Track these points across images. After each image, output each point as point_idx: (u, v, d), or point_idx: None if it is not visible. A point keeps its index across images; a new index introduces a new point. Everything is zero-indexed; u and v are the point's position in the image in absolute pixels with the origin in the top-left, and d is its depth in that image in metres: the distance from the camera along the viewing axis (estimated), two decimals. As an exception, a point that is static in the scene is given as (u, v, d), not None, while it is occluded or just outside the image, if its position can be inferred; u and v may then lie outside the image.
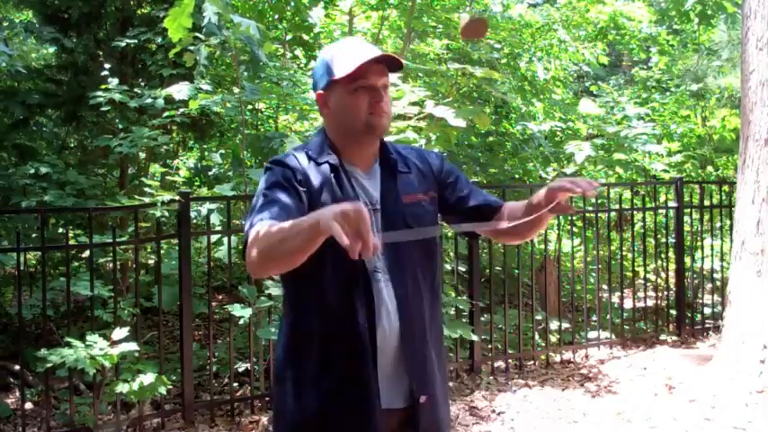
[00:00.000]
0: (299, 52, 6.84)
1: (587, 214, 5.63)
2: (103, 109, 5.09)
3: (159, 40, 5.38)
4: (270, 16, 6.45)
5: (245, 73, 4.56)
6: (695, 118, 8.65)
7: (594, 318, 5.78)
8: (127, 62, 5.79)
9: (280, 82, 5.17)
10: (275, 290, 4.00)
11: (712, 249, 6.33)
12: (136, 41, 5.39)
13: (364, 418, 1.72)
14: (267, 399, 4.25)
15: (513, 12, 8.35)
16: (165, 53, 5.33)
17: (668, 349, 5.58)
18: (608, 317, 5.90)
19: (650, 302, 6.27)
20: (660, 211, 6.10)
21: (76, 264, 5.20)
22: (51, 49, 6.44)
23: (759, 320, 4.39)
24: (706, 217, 6.38)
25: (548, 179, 7.13)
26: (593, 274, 5.99)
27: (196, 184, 6.83)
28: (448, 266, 5.34)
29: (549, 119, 7.77)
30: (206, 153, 7.33)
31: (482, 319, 5.15)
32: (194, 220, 4.58)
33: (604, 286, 6.56)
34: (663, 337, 5.83)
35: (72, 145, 6.68)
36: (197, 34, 4.08)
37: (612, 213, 6.35)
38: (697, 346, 5.70)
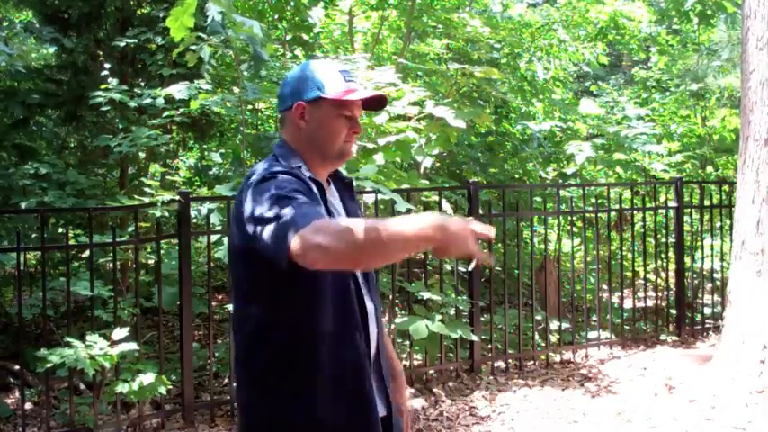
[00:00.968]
0: (298, 52, 6.85)
1: (587, 214, 5.63)
2: (103, 109, 5.10)
3: (159, 39, 5.38)
4: (270, 16, 6.45)
5: (246, 73, 4.56)
6: (695, 118, 8.65)
7: (594, 318, 5.78)
8: (127, 62, 5.79)
9: (280, 82, 5.16)
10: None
11: (712, 249, 6.33)
12: (136, 41, 5.39)
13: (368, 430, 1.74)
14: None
15: (513, 11, 8.36)
16: (165, 53, 5.33)
17: (668, 349, 5.58)
18: (608, 317, 5.90)
19: (650, 302, 6.27)
20: (660, 211, 6.10)
21: (76, 264, 5.20)
22: (51, 49, 6.44)
23: (759, 320, 4.39)
24: (706, 217, 6.38)
25: (548, 179, 7.13)
26: (593, 274, 5.99)
27: (196, 184, 6.83)
28: (448, 266, 5.35)
29: (548, 119, 7.77)
30: (206, 153, 7.34)
31: (482, 318, 5.15)
32: (194, 220, 4.58)
33: (604, 286, 6.56)
34: (663, 337, 5.83)
35: (72, 145, 6.68)
36: (200, 34, 4.09)
37: (612, 213, 6.35)
38: (697, 346, 5.70)
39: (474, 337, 4.76)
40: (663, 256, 6.48)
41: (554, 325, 5.51)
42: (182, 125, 5.65)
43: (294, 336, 1.69)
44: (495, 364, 5.06)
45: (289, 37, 6.51)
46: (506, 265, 5.26)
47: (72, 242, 4.48)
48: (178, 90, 4.70)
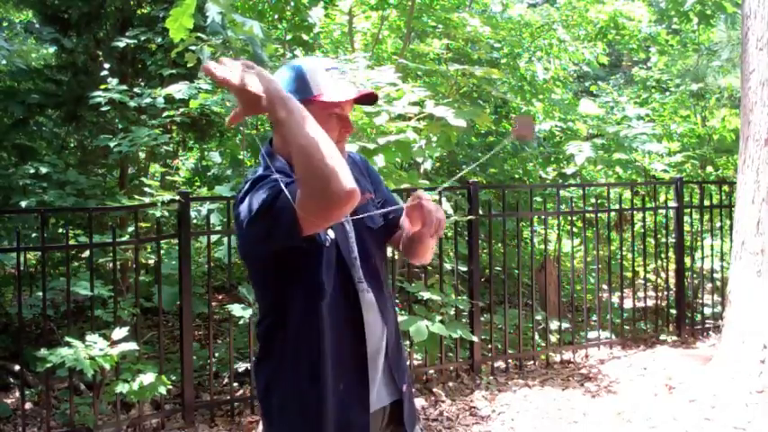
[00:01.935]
0: (298, 52, 6.84)
1: (587, 214, 5.63)
2: (103, 109, 5.09)
3: (159, 40, 5.38)
4: (270, 16, 6.45)
5: (245, 73, 4.54)
6: (695, 118, 8.65)
7: (594, 318, 5.78)
8: (127, 62, 5.79)
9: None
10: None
11: (712, 249, 6.33)
12: (136, 41, 5.39)
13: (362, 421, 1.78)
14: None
15: (513, 11, 8.35)
16: (164, 53, 5.33)
17: (668, 349, 5.58)
18: (608, 317, 5.90)
19: (650, 302, 6.27)
20: (660, 211, 6.10)
21: (76, 264, 5.20)
22: (51, 49, 6.44)
23: (759, 320, 4.39)
24: (706, 217, 6.38)
25: (547, 179, 7.13)
26: (593, 274, 5.99)
27: (196, 184, 6.84)
28: (448, 266, 5.34)
29: (548, 119, 7.77)
30: (206, 153, 7.33)
31: (482, 319, 5.15)
32: (194, 220, 4.58)
33: (604, 286, 6.56)
34: (663, 337, 5.83)
35: (72, 145, 6.68)
36: (199, 34, 4.08)
37: (612, 213, 6.35)
38: (697, 346, 5.70)
39: (474, 338, 4.76)
40: (663, 256, 6.48)
41: (554, 325, 5.51)
42: (182, 125, 5.64)
43: (287, 346, 1.75)
44: (495, 364, 5.06)
45: (289, 37, 6.50)
46: (506, 265, 5.26)
47: (72, 242, 4.48)
48: (178, 90, 4.70)
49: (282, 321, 1.74)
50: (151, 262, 5.51)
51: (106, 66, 5.39)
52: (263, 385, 1.79)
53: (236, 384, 4.46)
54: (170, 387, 3.99)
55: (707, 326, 6.05)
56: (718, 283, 6.44)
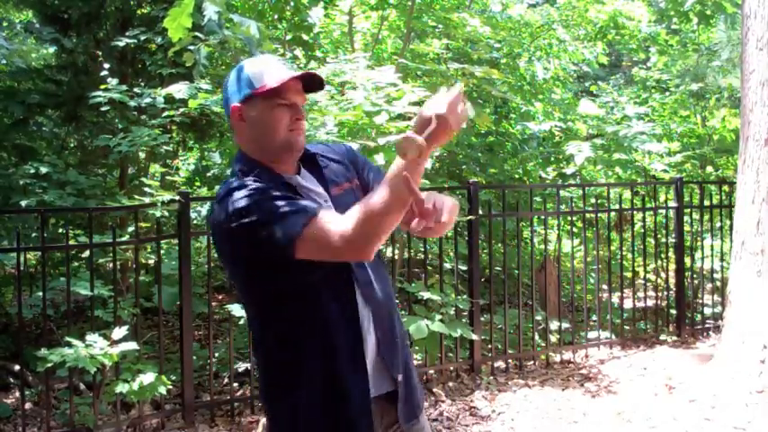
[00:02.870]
0: (298, 52, 6.84)
1: (587, 214, 5.63)
2: (103, 109, 5.09)
3: (159, 39, 5.38)
4: (269, 16, 6.45)
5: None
6: (695, 118, 8.65)
7: (594, 318, 5.78)
8: (127, 62, 5.79)
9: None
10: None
11: (712, 249, 6.33)
12: (135, 41, 5.39)
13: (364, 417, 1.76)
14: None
15: (513, 11, 8.35)
16: (164, 53, 5.33)
17: (668, 349, 5.58)
18: (608, 317, 5.90)
19: (650, 302, 6.27)
20: (660, 211, 6.10)
21: (76, 264, 5.19)
22: (51, 49, 6.44)
23: (759, 320, 4.39)
24: (706, 217, 6.38)
25: (547, 179, 7.14)
26: (593, 274, 5.99)
27: (196, 184, 6.84)
28: (448, 266, 5.34)
29: (548, 119, 7.77)
30: (206, 153, 7.33)
31: (482, 318, 5.15)
32: (194, 221, 4.59)
33: (604, 286, 6.56)
34: (663, 337, 5.83)
35: (72, 145, 6.67)
36: (197, 33, 4.08)
37: (612, 213, 6.35)
38: (697, 346, 5.70)
39: (474, 337, 4.76)
40: (663, 256, 6.48)
41: (554, 325, 5.51)
42: (181, 125, 5.64)
43: (284, 349, 1.74)
44: (495, 364, 5.06)
45: (288, 37, 6.50)
46: (506, 265, 5.26)
47: (72, 242, 4.48)
48: (178, 90, 4.70)
49: (283, 325, 1.73)
50: (151, 262, 5.51)
51: (106, 66, 5.38)
52: (289, 415, 1.75)
53: (236, 384, 4.46)
54: (170, 387, 3.98)
55: (707, 326, 6.05)
56: (718, 283, 6.44)
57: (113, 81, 5.05)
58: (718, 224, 6.37)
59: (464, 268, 5.04)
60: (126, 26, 5.68)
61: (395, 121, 4.39)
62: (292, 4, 6.05)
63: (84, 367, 3.42)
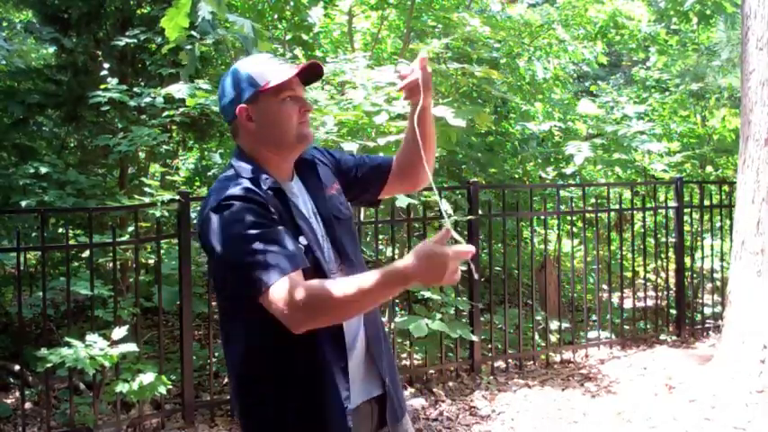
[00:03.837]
0: (298, 52, 6.84)
1: (587, 214, 5.63)
2: (103, 109, 5.09)
3: (159, 39, 5.37)
4: (269, 16, 6.45)
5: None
6: (695, 118, 8.65)
7: (594, 318, 5.78)
8: (126, 62, 5.79)
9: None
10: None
11: (712, 249, 6.33)
12: (135, 41, 5.39)
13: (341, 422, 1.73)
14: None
15: (513, 11, 8.35)
16: (164, 52, 5.33)
17: (668, 349, 5.58)
18: (608, 317, 5.90)
19: (650, 302, 6.27)
20: (660, 211, 6.10)
21: (76, 264, 5.19)
22: (51, 49, 6.43)
23: (759, 320, 4.39)
24: (706, 217, 6.38)
25: (547, 179, 7.13)
26: (593, 274, 5.99)
27: (196, 184, 6.84)
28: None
29: (548, 119, 7.77)
30: (206, 153, 7.33)
31: (482, 319, 5.15)
32: (194, 220, 4.57)
33: (604, 286, 6.56)
34: (663, 337, 5.83)
35: (72, 145, 6.67)
36: (193, 33, 4.08)
37: (612, 213, 6.34)
38: (697, 346, 5.70)
39: (474, 337, 4.76)
40: (663, 256, 6.48)
41: (554, 325, 5.51)
42: (181, 125, 5.64)
43: (262, 352, 1.71)
44: (495, 364, 5.06)
45: (288, 37, 6.51)
46: (506, 265, 5.26)
47: (72, 242, 4.48)
48: (178, 89, 4.70)
49: (263, 338, 1.69)
50: (151, 262, 5.51)
51: (106, 66, 5.38)
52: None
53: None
54: (170, 387, 3.98)
55: (707, 326, 6.05)
56: (718, 283, 6.44)
57: (113, 81, 5.04)
58: (719, 224, 6.37)
59: (464, 268, 5.03)
60: (126, 26, 5.68)
61: (395, 120, 4.39)
62: (292, 3, 6.06)
63: (84, 368, 3.42)
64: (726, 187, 6.31)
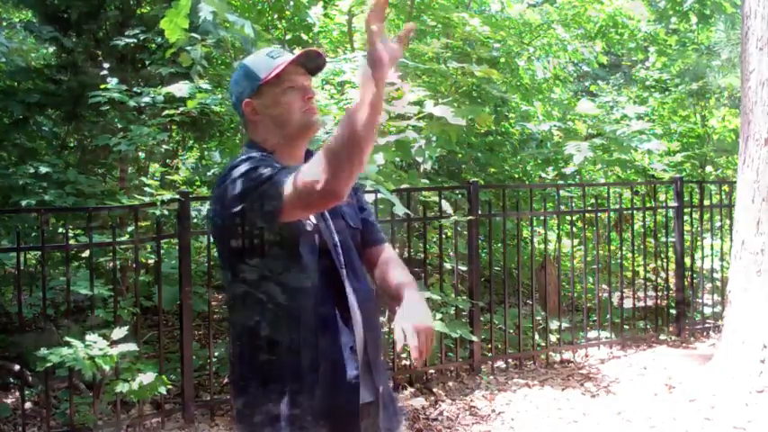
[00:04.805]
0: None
1: (587, 214, 5.63)
2: (103, 108, 5.09)
3: (159, 39, 5.37)
4: (269, 15, 6.45)
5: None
6: (695, 118, 8.65)
7: (594, 318, 5.78)
8: (127, 62, 5.78)
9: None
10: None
11: (712, 249, 6.33)
12: (135, 41, 5.38)
13: (353, 414, 1.74)
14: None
15: (513, 11, 8.35)
16: (164, 52, 5.33)
17: (668, 349, 5.58)
18: (608, 317, 5.90)
19: (650, 302, 6.27)
20: (660, 210, 6.10)
21: (76, 263, 5.19)
22: (51, 49, 6.42)
23: (759, 320, 4.39)
24: (706, 217, 6.37)
25: (547, 179, 7.14)
26: (593, 274, 5.99)
27: (196, 183, 6.83)
28: (448, 266, 5.34)
29: (548, 119, 7.77)
30: (206, 152, 7.33)
31: (482, 318, 5.15)
32: (194, 220, 4.58)
33: (604, 286, 6.56)
34: (663, 336, 5.83)
35: (72, 144, 6.67)
36: (193, 34, 4.08)
37: (612, 213, 6.34)
38: (697, 347, 5.70)
39: (474, 337, 4.76)
40: (663, 255, 6.48)
41: (554, 325, 5.51)
42: (181, 124, 5.64)
43: (270, 319, 1.72)
44: (495, 364, 5.06)
45: (288, 36, 6.50)
46: (506, 265, 5.26)
47: (72, 242, 4.47)
48: (178, 89, 4.70)
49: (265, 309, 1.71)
50: (151, 261, 5.51)
51: (106, 65, 5.38)
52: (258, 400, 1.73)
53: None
54: (170, 387, 3.98)
55: (707, 326, 6.05)
56: (718, 283, 6.44)
57: (113, 81, 5.04)
58: (718, 224, 6.37)
59: (464, 268, 5.04)
60: (126, 26, 5.68)
61: (395, 120, 4.39)
62: (292, 3, 6.05)
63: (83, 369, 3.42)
64: (726, 187, 6.31)
